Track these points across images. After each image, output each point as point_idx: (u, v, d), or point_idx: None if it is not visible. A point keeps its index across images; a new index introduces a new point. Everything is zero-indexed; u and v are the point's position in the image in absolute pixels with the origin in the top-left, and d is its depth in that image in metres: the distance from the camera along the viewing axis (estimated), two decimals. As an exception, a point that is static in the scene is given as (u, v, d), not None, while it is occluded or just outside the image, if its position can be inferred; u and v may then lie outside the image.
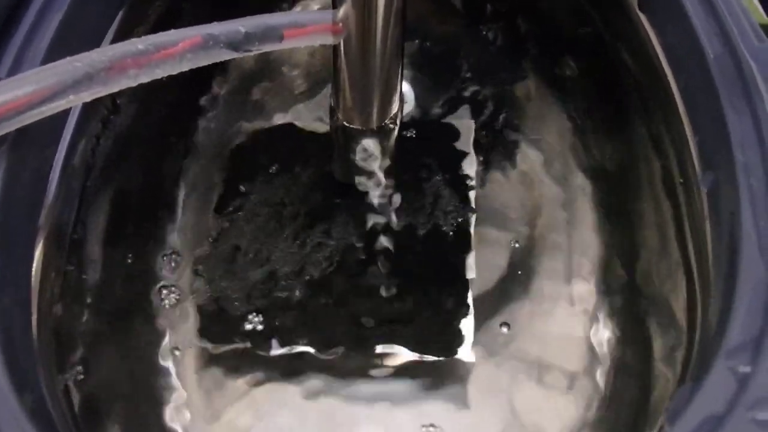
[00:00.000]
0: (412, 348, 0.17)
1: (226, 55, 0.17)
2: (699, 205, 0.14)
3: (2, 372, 0.11)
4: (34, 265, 0.14)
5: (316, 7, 0.24)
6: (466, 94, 0.22)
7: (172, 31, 0.15)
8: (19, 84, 0.13)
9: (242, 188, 0.20)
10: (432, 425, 0.15)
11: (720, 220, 0.13)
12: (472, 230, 0.19)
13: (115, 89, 0.15)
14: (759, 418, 0.09)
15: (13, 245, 0.12)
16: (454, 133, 0.20)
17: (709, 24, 0.14)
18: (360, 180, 0.19)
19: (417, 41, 0.22)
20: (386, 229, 0.19)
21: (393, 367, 0.16)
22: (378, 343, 0.17)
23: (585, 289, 0.18)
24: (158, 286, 0.18)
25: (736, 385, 0.09)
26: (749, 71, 0.13)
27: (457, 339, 0.17)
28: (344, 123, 0.19)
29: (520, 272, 0.18)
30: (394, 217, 0.19)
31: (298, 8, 0.24)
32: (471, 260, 0.18)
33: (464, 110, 0.21)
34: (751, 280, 0.11)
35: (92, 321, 0.15)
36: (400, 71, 0.19)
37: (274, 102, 0.22)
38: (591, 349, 0.17)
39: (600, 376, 0.17)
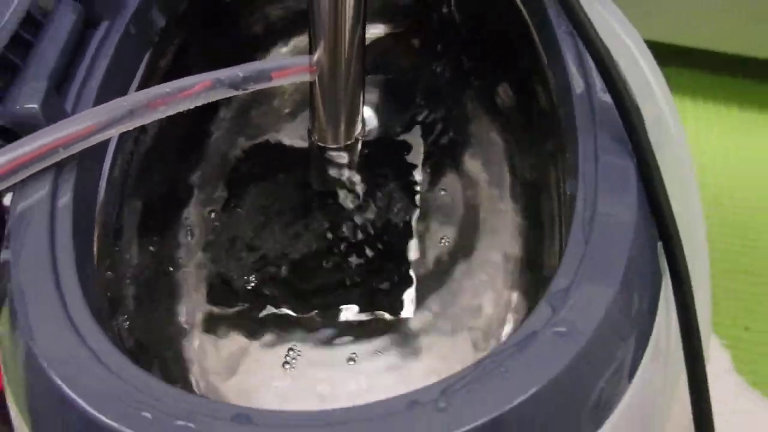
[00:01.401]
0: (367, 308, 0.23)
1: (229, 94, 0.22)
2: (567, 204, 0.19)
3: (89, 316, 0.16)
4: (95, 246, 0.19)
5: (283, 51, 0.30)
6: (419, 117, 0.27)
7: (190, 77, 0.21)
8: (84, 118, 0.19)
9: (240, 191, 0.25)
10: (380, 352, 0.21)
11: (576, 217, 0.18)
12: (414, 223, 0.24)
13: (148, 121, 0.20)
14: (557, 330, 0.14)
15: (82, 233, 0.18)
16: (407, 148, 0.26)
17: (577, 70, 0.20)
18: (330, 185, 0.25)
19: (381, 75, 0.28)
20: (350, 222, 0.24)
21: (353, 322, 0.22)
22: (341, 304, 0.23)
23: (495, 265, 0.23)
24: (177, 264, 0.24)
25: (551, 313, 0.15)
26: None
27: (401, 302, 0.23)
28: (318, 142, 0.25)
29: (451, 251, 0.24)
30: (356, 214, 0.25)
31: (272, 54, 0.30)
32: (413, 245, 0.24)
33: (416, 130, 0.27)
34: (573, 249, 0.16)
35: (132, 288, 0.21)
36: (361, 99, 0.24)
37: (265, 124, 0.27)
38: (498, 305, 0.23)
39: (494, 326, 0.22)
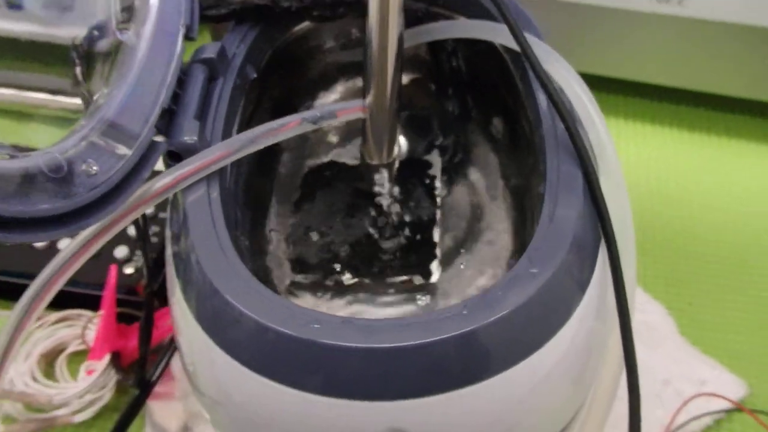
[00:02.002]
0: (404, 274, 0.32)
1: (310, 128, 0.32)
2: (540, 200, 0.28)
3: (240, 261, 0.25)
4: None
5: (333, 98, 0.40)
6: (436, 142, 0.36)
7: (286, 117, 0.30)
8: (219, 147, 0.28)
9: (310, 196, 0.35)
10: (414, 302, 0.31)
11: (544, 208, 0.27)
12: (437, 217, 0.34)
13: (260, 147, 0.30)
14: (531, 271, 0.24)
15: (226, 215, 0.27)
16: (429, 165, 0.36)
17: (546, 109, 0.29)
18: (375, 191, 0.35)
19: (407, 111, 0.37)
20: (390, 216, 0.34)
21: (395, 282, 0.32)
22: (387, 276, 0.32)
23: (492, 245, 0.33)
24: (268, 249, 0.33)
25: (528, 263, 0.24)
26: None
27: (429, 270, 0.32)
28: (367, 160, 0.34)
29: (462, 236, 0.34)
30: (393, 212, 0.34)
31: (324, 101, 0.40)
32: (436, 232, 0.33)
33: (435, 152, 0.36)
34: (542, 226, 0.26)
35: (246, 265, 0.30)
36: (397, 130, 0.34)
37: (324, 148, 0.37)
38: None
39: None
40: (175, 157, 0.28)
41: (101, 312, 0.40)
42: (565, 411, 0.27)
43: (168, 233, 0.29)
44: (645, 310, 0.43)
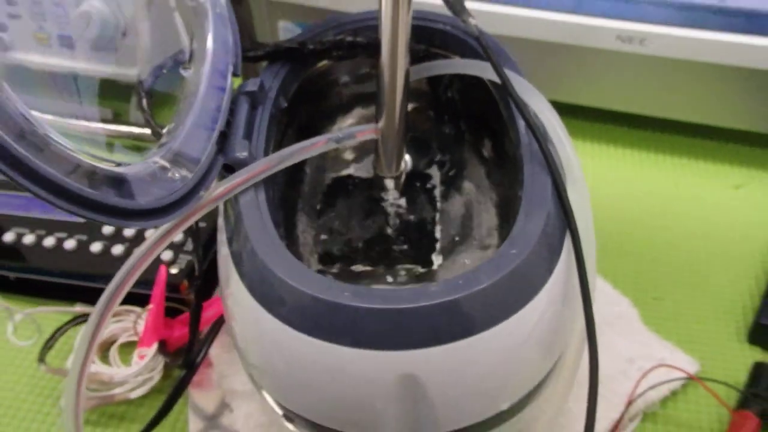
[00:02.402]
0: (410, 263, 0.39)
1: (333, 146, 0.39)
2: (519, 202, 0.35)
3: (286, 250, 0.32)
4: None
5: (349, 122, 0.47)
6: (435, 159, 0.43)
7: (316, 138, 0.37)
8: (263, 162, 0.35)
9: (332, 202, 0.42)
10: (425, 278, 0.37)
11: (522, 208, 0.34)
12: (437, 219, 0.40)
13: (294, 162, 0.37)
14: (512, 252, 0.30)
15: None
16: (429, 177, 0.42)
17: (524, 131, 0.37)
18: (386, 198, 0.42)
19: (411, 133, 0.44)
20: (399, 218, 0.41)
21: (404, 269, 0.38)
22: (396, 264, 0.39)
23: (482, 239, 0.39)
24: (299, 245, 0.40)
25: (510, 246, 0.31)
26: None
27: (431, 260, 0.39)
28: (378, 173, 0.41)
29: (457, 234, 0.41)
30: (402, 214, 0.41)
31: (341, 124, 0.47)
32: (437, 230, 0.40)
33: (434, 167, 0.43)
34: (520, 220, 0.32)
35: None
36: (404, 148, 0.41)
37: (343, 164, 0.44)
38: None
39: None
40: (229, 169, 0.35)
41: (150, 306, 0.47)
42: (541, 366, 0.34)
43: (221, 237, 0.36)
44: (615, 302, 0.49)
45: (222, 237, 0.36)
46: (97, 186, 0.27)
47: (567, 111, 0.40)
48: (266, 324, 0.31)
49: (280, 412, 0.35)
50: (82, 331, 0.32)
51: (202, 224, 0.52)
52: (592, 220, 0.35)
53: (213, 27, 0.38)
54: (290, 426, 0.35)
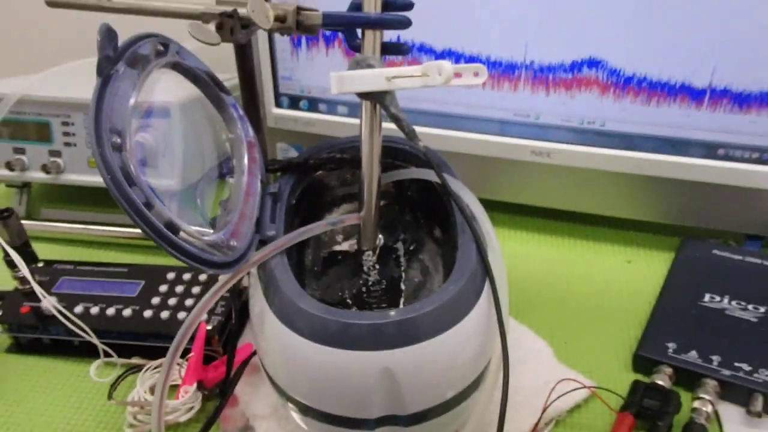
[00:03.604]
0: (383, 307, 0.54)
1: (329, 228, 0.54)
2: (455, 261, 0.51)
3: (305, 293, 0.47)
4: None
5: (339, 212, 0.64)
6: (400, 237, 0.59)
7: (319, 222, 0.53)
8: (284, 239, 0.51)
9: (327, 269, 0.58)
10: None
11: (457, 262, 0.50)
12: (402, 277, 0.56)
13: (304, 238, 0.52)
14: (449, 288, 0.46)
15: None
16: (396, 250, 0.58)
17: (459, 216, 0.53)
18: (366, 264, 0.57)
19: (382, 220, 0.60)
20: (376, 278, 0.56)
21: (385, 312, 0.53)
22: (374, 305, 0.54)
23: (432, 289, 0.55)
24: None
25: (448, 285, 0.47)
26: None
27: (398, 303, 0.54)
28: (360, 247, 0.57)
29: (416, 286, 0.56)
30: (378, 274, 0.57)
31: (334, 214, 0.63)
32: (402, 285, 0.56)
33: (399, 243, 0.59)
34: (455, 271, 0.48)
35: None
36: (378, 230, 0.57)
37: (334, 242, 0.60)
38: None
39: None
40: (262, 243, 0.51)
41: (191, 355, 0.61)
42: (475, 367, 0.48)
43: (254, 291, 0.50)
44: (534, 342, 0.64)
45: (255, 289, 0.51)
46: (204, 249, 0.43)
47: (497, 207, 0.55)
48: (289, 339, 0.45)
49: (296, 408, 0.49)
50: (164, 366, 0.46)
51: (225, 295, 0.67)
52: (504, 273, 0.51)
53: (246, 150, 0.55)
54: (303, 418, 0.49)
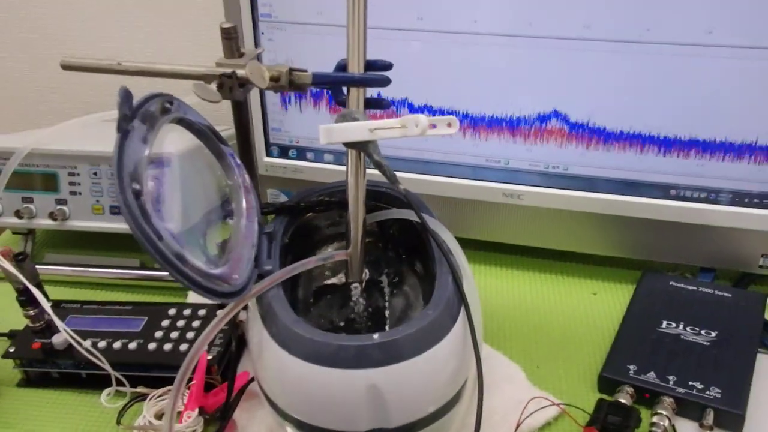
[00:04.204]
0: (371, 331, 0.58)
1: (320, 263, 0.60)
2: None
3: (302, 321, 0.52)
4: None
5: (328, 250, 0.69)
6: (384, 271, 0.65)
7: (311, 258, 0.58)
8: (280, 273, 0.56)
9: (318, 300, 0.63)
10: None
11: (435, 293, 0.56)
12: (387, 306, 0.62)
13: (296, 273, 0.58)
14: (427, 312, 0.52)
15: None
16: (381, 282, 0.64)
17: (437, 252, 0.59)
18: (354, 295, 0.63)
19: (368, 257, 0.66)
20: (363, 306, 0.61)
21: (370, 336, 0.59)
22: (362, 330, 0.59)
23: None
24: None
25: (426, 310, 0.53)
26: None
27: (384, 328, 0.59)
28: (348, 280, 0.63)
29: (399, 314, 0.62)
30: (363, 303, 0.62)
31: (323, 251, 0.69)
32: (387, 313, 0.61)
33: (384, 276, 0.65)
34: (433, 300, 0.54)
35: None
36: (364, 264, 0.62)
37: (323, 278, 0.66)
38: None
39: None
40: (260, 277, 0.56)
41: (193, 382, 0.66)
42: (452, 385, 0.53)
43: (253, 322, 0.56)
44: (508, 367, 0.68)
45: (254, 320, 0.56)
46: (210, 280, 0.48)
47: (472, 245, 0.61)
48: (286, 360, 0.50)
49: (293, 425, 0.54)
50: (173, 391, 0.51)
51: (224, 328, 0.72)
52: (478, 301, 0.57)
53: (244, 195, 0.61)
54: (299, 434, 0.54)
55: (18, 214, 0.85)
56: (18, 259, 0.66)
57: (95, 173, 0.81)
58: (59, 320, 0.65)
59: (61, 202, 0.85)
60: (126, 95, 0.48)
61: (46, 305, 0.64)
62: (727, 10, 0.66)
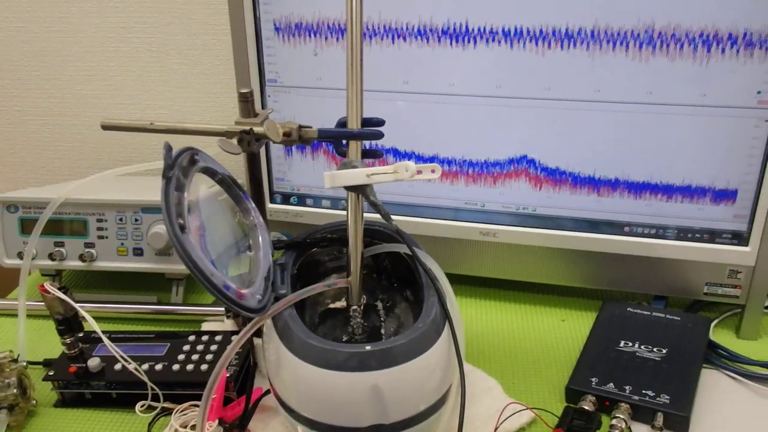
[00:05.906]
0: (369, 344, 0.68)
1: (325, 289, 0.69)
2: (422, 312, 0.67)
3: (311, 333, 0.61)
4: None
5: (331, 279, 0.79)
6: (379, 297, 0.73)
7: (317, 284, 0.67)
8: (291, 296, 0.66)
9: (323, 321, 0.72)
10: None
11: (423, 313, 0.65)
12: (382, 325, 0.71)
13: (306, 296, 0.67)
14: (417, 326, 0.61)
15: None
16: (377, 306, 0.73)
17: (426, 280, 0.69)
18: (353, 316, 0.72)
19: (365, 285, 0.76)
20: (362, 326, 0.70)
21: (368, 346, 0.68)
22: (362, 343, 0.68)
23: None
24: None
25: (417, 325, 0.62)
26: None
27: (378, 339, 0.69)
28: (349, 304, 0.72)
29: (392, 332, 0.71)
30: (362, 323, 0.71)
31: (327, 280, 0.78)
32: (382, 333, 0.71)
33: (379, 302, 0.75)
34: (421, 318, 0.63)
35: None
36: (361, 291, 0.72)
37: (325, 304, 0.76)
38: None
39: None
40: (276, 299, 0.66)
41: (213, 396, 0.74)
42: (440, 387, 0.61)
43: (269, 339, 0.65)
44: (487, 381, 0.76)
45: (270, 338, 0.65)
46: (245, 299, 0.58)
47: (453, 279, 0.67)
48: (301, 367, 0.59)
49: (305, 425, 0.63)
50: (203, 399, 0.60)
51: (239, 351, 0.81)
52: (460, 319, 0.66)
53: (260, 231, 0.71)
54: (311, 433, 0.63)
55: (51, 256, 0.94)
56: (62, 291, 0.75)
57: (120, 219, 0.90)
58: (108, 341, 0.74)
59: (90, 245, 0.94)
60: (169, 149, 0.58)
61: (95, 326, 0.73)
62: (661, 77, 0.78)
